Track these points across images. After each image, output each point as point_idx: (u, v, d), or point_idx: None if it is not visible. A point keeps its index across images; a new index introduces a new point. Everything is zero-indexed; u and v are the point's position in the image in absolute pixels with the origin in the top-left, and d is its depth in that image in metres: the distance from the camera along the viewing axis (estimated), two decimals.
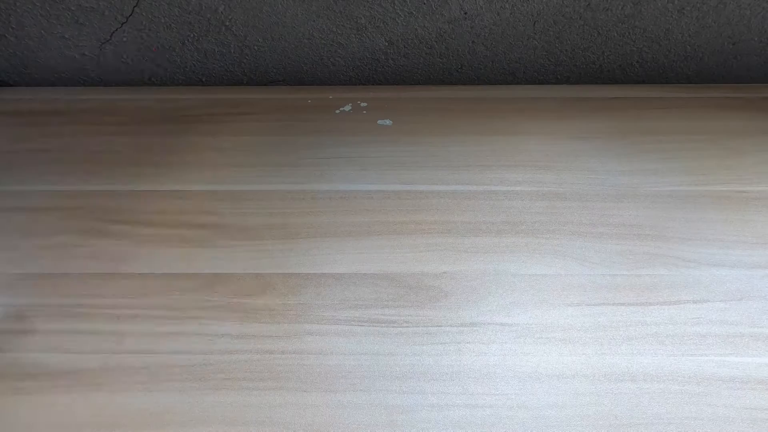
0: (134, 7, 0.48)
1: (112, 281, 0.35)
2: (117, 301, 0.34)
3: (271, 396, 0.29)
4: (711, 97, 0.51)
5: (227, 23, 0.49)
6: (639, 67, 0.54)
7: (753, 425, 0.28)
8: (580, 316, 0.33)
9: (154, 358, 0.31)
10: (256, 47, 0.51)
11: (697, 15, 0.49)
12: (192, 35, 0.50)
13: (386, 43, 0.51)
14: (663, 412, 0.28)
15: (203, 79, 0.54)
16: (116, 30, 0.49)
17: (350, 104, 0.50)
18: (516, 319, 0.33)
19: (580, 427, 0.28)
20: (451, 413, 0.29)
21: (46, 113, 0.49)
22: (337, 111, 0.50)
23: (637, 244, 0.37)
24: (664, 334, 0.32)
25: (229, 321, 0.33)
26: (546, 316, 0.33)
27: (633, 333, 0.32)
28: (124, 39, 0.50)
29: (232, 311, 0.34)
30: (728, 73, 0.54)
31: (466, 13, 0.49)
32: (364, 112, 0.49)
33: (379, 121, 0.48)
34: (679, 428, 0.28)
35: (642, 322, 0.32)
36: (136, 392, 0.29)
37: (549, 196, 0.41)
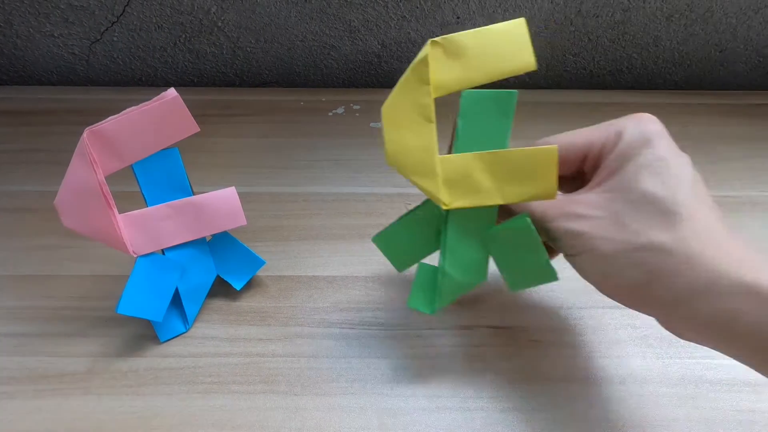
0: (125, 6, 0.47)
1: (101, 283, 0.35)
2: (105, 303, 0.33)
3: (261, 399, 0.29)
4: (699, 103, 0.51)
5: (220, 24, 0.49)
6: (628, 73, 0.54)
7: (739, 427, 0.28)
8: (571, 318, 0.33)
9: (142, 361, 0.31)
10: (248, 49, 0.51)
11: (685, 23, 0.50)
12: (184, 36, 0.50)
13: (379, 47, 0.51)
14: (652, 414, 0.29)
15: (195, 80, 0.54)
16: (107, 29, 0.49)
17: (343, 107, 0.50)
18: (508, 321, 0.33)
19: (569, 429, 0.28)
20: (443, 416, 0.29)
21: (35, 113, 0.49)
22: (330, 113, 0.50)
23: None
24: (653, 337, 0.32)
25: (218, 323, 0.33)
26: (538, 319, 0.33)
27: (622, 336, 0.32)
28: (115, 38, 0.50)
29: (222, 313, 0.33)
30: (715, 79, 0.55)
31: (458, 18, 0.49)
32: (357, 114, 0.49)
33: (372, 124, 0.48)
34: (667, 430, 0.28)
35: (631, 325, 0.33)
36: (124, 396, 0.29)
37: None
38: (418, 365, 0.31)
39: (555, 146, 0.24)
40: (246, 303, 0.34)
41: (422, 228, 0.27)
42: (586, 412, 0.29)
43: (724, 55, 0.52)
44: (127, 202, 0.30)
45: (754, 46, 0.52)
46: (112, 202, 0.28)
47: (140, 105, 0.28)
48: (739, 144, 0.47)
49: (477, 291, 0.35)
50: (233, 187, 0.31)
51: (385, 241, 0.28)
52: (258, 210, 0.40)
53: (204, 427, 0.28)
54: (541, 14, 0.48)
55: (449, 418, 0.28)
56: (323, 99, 0.51)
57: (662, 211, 0.21)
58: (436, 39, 0.23)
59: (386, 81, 0.54)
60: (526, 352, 0.31)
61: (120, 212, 0.29)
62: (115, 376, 0.30)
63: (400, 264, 0.29)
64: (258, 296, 0.34)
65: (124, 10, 0.47)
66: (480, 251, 0.26)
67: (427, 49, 0.23)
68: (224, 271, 0.33)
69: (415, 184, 0.25)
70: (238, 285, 0.33)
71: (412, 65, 0.24)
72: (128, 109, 0.28)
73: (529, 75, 0.54)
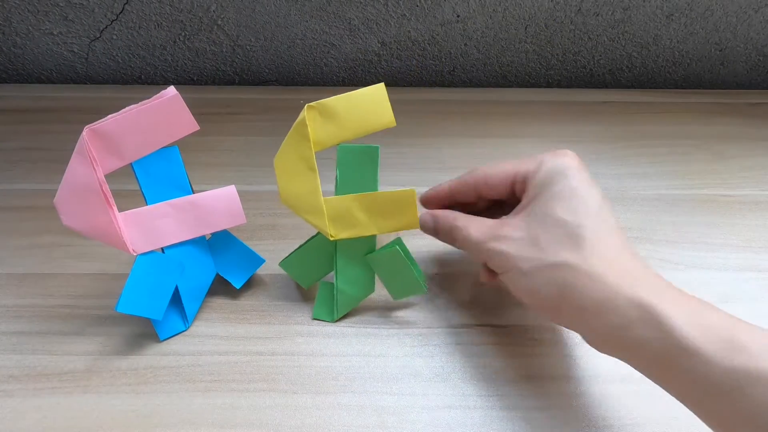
0: (125, 4, 0.47)
1: (100, 281, 0.35)
2: (104, 302, 0.33)
3: (261, 398, 0.29)
4: (698, 102, 0.51)
5: (219, 22, 0.49)
6: (628, 71, 0.54)
7: None
8: None
9: (142, 360, 0.31)
10: (248, 47, 0.51)
11: (685, 21, 0.50)
12: (183, 34, 0.50)
13: (379, 45, 0.51)
14: (650, 412, 0.29)
15: (194, 78, 0.54)
16: (106, 27, 0.49)
17: None
18: (507, 320, 0.33)
19: (569, 427, 0.28)
20: (442, 414, 0.29)
21: (34, 111, 0.49)
22: None
23: None
24: None
25: (218, 322, 0.33)
26: (536, 318, 0.33)
27: None
28: (114, 36, 0.50)
29: (222, 312, 0.33)
30: (715, 79, 0.55)
31: (458, 16, 0.49)
32: None
33: None
34: (665, 428, 0.28)
35: None
36: (123, 394, 0.29)
37: None
38: (418, 364, 0.31)
39: (413, 189, 0.29)
40: (246, 301, 0.34)
41: (318, 254, 0.32)
42: (586, 410, 0.29)
43: (724, 53, 0.52)
44: (126, 200, 0.30)
45: (754, 44, 0.51)
46: (111, 200, 0.28)
47: (140, 103, 0.28)
48: (738, 143, 0.47)
49: (477, 292, 0.35)
50: (233, 186, 0.31)
51: (289, 265, 0.33)
52: (257, 208, 0.40)
53: (204, 425, 0.28)
54: (541, 13, 0.48)
55: (449, 417, 0.28)
56: (323, 97, 0.51)
57: (570, 234, 0.24)
58: (311, 103, 0.28)
59: (386, 79, 0.54)
60: (525, 351, 0.31)
61: (120, 211, 0.29)
62: (115, 375, 0.30)
63: (305, 282, 0.33)
64: (258, 294, 0.34)
65: (123, 8, 0.47)
66: (364, 270, 0.31)
67: (304, 112, 0.28)
68: (224, 270, 0.33)
69: (307, 221, 0.30)
70: (237, 283, 0.33)
71: (294, 125, 0.29)
72: (128, 108, 0.28)
73: (530, 74, 0.54)
